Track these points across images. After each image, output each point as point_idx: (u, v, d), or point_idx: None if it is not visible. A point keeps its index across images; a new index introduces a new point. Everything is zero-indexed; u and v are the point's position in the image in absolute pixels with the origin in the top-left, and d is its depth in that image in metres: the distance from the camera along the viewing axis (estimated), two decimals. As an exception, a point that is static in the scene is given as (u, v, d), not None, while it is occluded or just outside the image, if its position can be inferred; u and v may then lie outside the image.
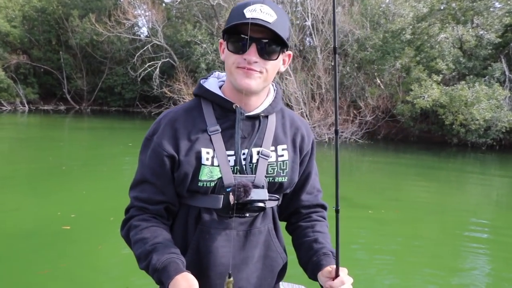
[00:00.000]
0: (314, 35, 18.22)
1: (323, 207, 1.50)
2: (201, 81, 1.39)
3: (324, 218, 1.49)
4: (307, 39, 21.98)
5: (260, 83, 1.25)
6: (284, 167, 1.35)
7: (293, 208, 1.47)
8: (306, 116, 16.14)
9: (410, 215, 6.55)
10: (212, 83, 1.36)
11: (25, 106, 25.20)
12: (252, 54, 1.20)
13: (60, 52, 26.82)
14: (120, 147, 12.60)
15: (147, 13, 25.47)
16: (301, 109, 16.23)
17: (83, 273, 4.00)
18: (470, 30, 15.97)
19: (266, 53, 1.22)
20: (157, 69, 21.85)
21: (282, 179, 1.34)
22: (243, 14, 1.19)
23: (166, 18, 25.01)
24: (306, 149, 1.43)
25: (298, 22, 20.70)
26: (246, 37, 1.18)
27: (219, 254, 1.29)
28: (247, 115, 1.30)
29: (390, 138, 17.21)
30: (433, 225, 6.16)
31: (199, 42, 21.31)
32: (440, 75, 15.20)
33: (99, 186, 7.60)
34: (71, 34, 25.87)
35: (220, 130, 1.29)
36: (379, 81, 17.33)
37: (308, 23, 18.32)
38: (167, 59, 22.87)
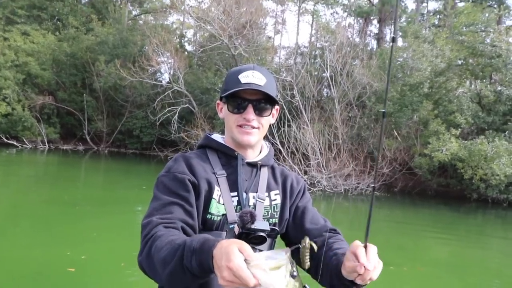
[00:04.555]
0: (332, 86, 18.47)
1: (335, 231, 1.50)
2: (207, 134, 1.62)
3: (340, 239, 1.44)
4: (325, 90, 22.28)
5: (257, 137, 1.50)
6: (277, 210, 1.54)
7: None
8: (323, 166, 16.02)
9: (430, 273, 6.25)
10: (217, 136, 1.60)
11: (45, 145, 25.68)
12: (249, 113, 1.45)
13: (84, 95, 27.65)
14: (135, 190, 12.61)
15: (170, 61, 26.39)
16: (318, 159, 16.14)
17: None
18: (489, 85, 15.95)
19: (260, 111, 1.46)
20: (176, 114, 22.22)
21: (275, 220, 1.52)
22: (239, 80, 1.44)
23: (188, 66, 25.76)
24: (296, 191, 1.60)
25: (316, 73, 21.09)
26: (245, 99, 1.44)
27: None
28: (246, 162, 1.53)
29: (407, 191, 16.85)
30: (455, 284, 5.85)
31: (218, 90, 21.71)
32: (459, 129, 15.08)
33: (110, 228, 7.53)
34: (96, 78, 26.74)
35: (226, 174, 1.48)
36: (396, 134, 17.26)
37: (327, 74, 18.63)
38: (187, 105, 23.32)
